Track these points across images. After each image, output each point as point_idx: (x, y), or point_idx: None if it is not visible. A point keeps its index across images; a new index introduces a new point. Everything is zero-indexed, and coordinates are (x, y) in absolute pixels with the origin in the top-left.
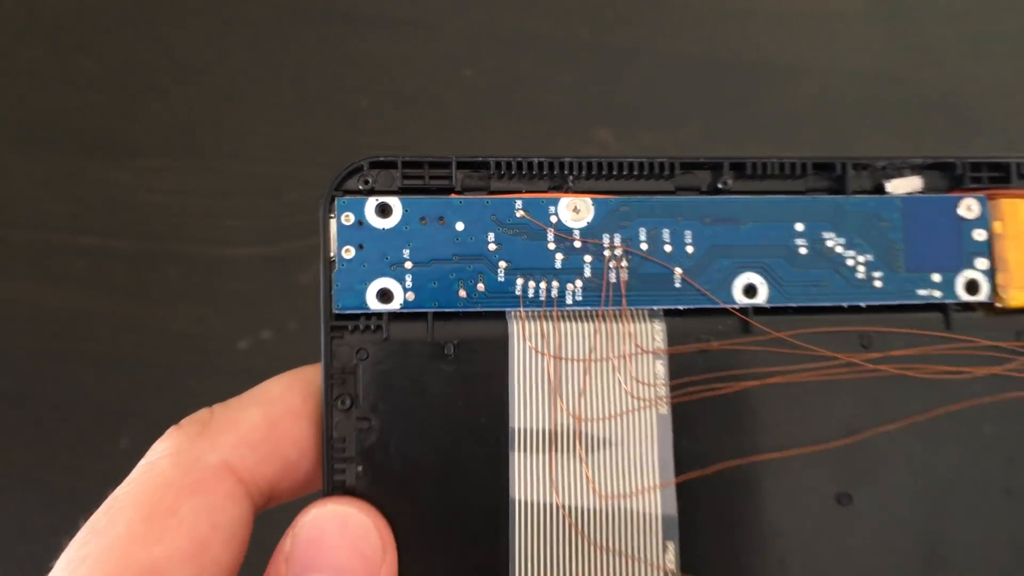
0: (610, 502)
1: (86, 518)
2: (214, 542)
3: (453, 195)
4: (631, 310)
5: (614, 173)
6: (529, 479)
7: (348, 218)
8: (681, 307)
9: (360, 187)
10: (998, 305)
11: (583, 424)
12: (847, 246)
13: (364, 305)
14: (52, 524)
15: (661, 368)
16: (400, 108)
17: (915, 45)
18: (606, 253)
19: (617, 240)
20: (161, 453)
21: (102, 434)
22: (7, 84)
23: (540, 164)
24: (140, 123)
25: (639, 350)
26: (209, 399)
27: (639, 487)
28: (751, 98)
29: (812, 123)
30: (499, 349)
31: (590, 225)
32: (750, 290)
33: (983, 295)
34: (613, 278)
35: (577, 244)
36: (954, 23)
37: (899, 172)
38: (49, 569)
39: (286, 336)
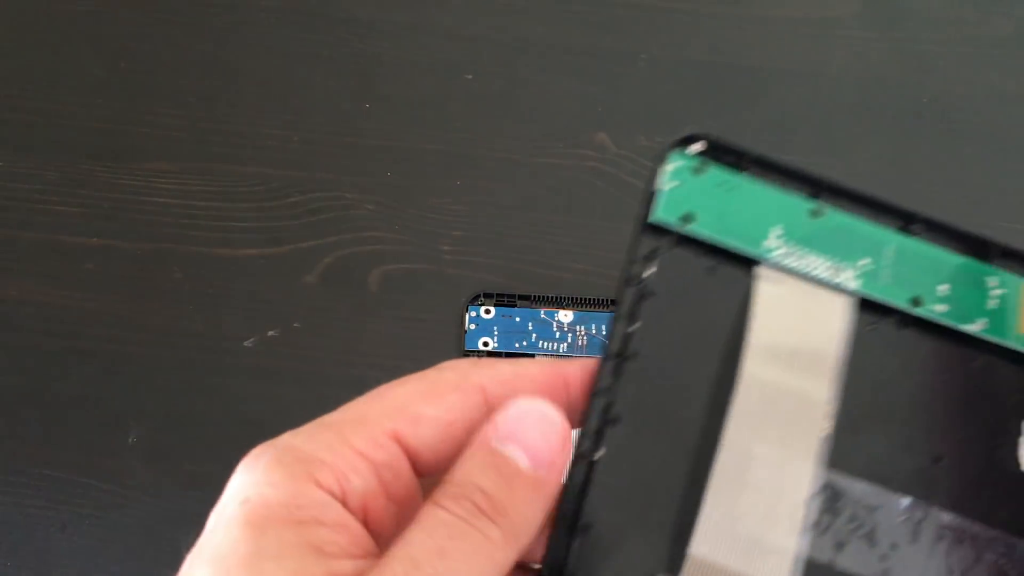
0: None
1: (94, 513)
2: (459, 426)
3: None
4: (587, 356)
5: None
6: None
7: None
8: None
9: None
10: None
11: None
12: None
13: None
14: (60, 520)
15: None
16: (402, 112)
17: (907, 51)
18: (578, 332)
19: (582, 328)
20: (445, 366)
21: (110, 431)
22: (17, 88)
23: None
24: (147, 127)
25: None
26: (216, 396)
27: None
28: (746, 102)
29: (806, 127)
30: None
31: (571, 322)
32: None
33: None
34: (580, 343)
35: (565, 328)
36: (946, 29)
37: None
38: (55, 565)
39: (291, 334)
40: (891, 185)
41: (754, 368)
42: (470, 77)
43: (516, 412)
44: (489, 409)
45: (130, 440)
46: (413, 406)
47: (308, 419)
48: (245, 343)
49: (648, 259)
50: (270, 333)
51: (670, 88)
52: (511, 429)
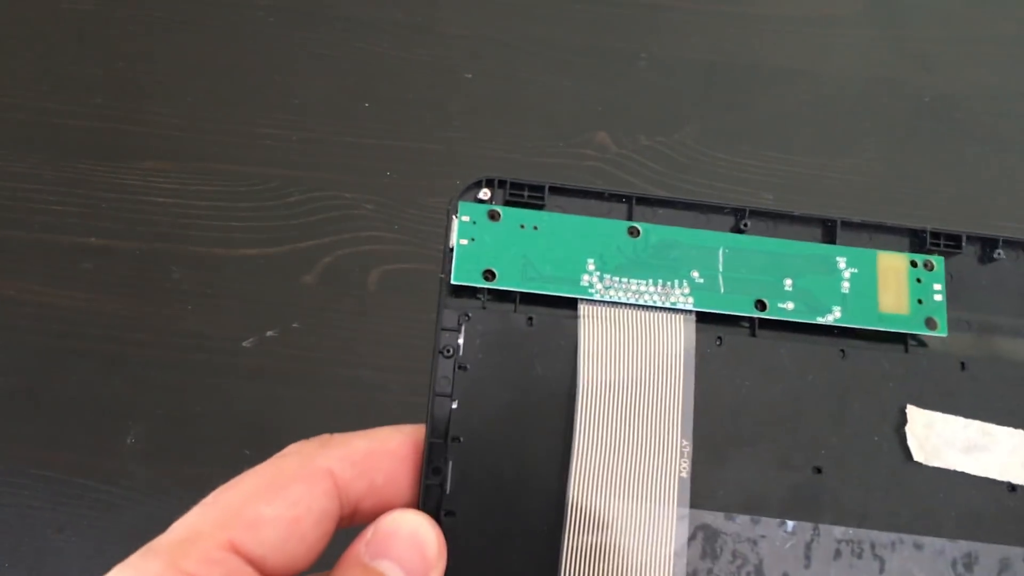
0: None
1: (93, 514)
2: (307, 520)
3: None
4: None
5: None
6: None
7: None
8: None
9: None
10: None
11: None
12: None
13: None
14: (57, 521)
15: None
16: (402, 111)
17: (909, 49)
18: None
19: None
20: (288, 452)
21: (108, 432)
22: (15, 87)
23: None
24: (146, 126)
25: None
26: (215, 396)
27: None
28: (747, 101)
29: (807, 126)
30: None
31: None
32: None
33: None
34: None
35: None
36: (948, 27)
37: None
38: (53, 566)
39: (290, 335)
40: (891, 185)
41: (588, 419)
42: (470, 77)
43: (386, 527)
44: (340, 494)
45: (129, 440)
46: (250, 509)
47: (307, 419)
48: (244, 343)
49: (457, 326)
50: (269, 333)
51: (670, 88)
52: (382, 545)
